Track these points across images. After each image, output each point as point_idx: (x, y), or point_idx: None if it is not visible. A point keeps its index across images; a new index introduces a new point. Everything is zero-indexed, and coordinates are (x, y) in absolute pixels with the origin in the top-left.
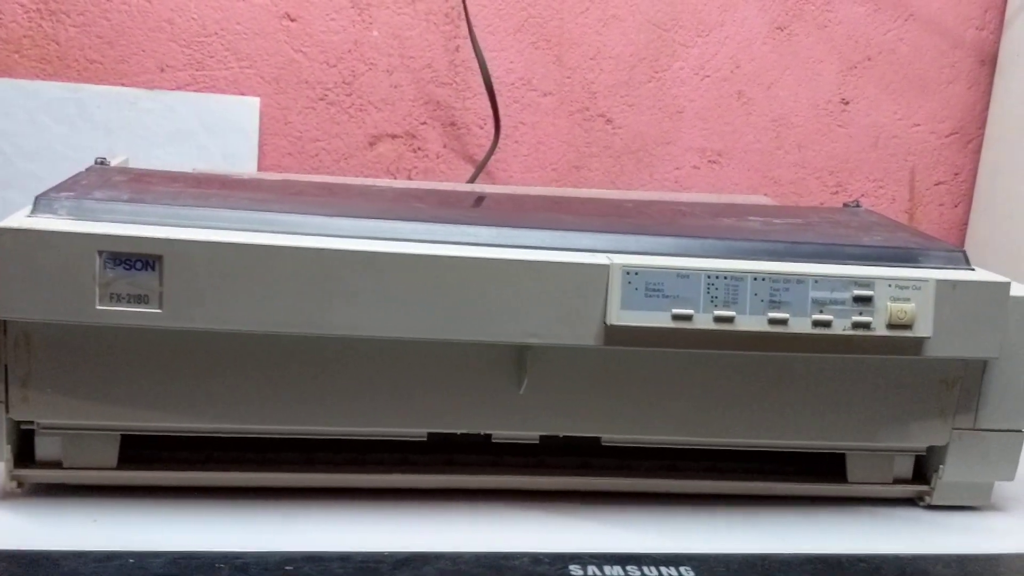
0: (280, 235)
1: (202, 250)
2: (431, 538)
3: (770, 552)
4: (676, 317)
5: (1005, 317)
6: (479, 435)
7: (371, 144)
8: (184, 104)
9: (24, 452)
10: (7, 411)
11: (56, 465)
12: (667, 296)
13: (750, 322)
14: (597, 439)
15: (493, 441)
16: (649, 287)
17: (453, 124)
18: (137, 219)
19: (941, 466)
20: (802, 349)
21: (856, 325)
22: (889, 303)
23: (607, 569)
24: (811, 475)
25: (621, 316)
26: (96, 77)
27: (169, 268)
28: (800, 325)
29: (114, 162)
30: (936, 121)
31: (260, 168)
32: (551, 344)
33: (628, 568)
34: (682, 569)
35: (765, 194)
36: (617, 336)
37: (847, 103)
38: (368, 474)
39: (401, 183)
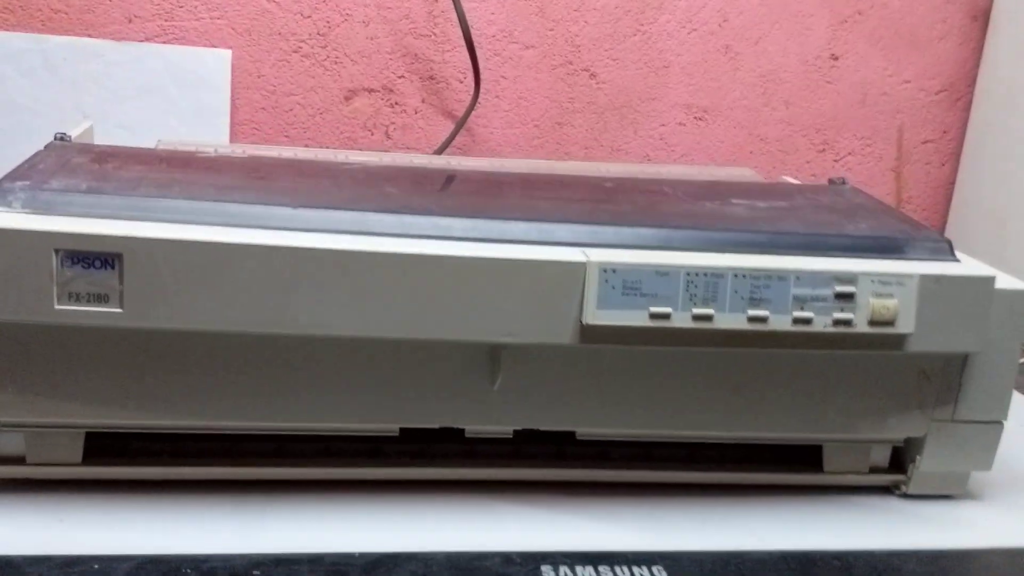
0: (245, 230)
1: (163, 248)
2: (403, 536)
3: (744, 549)
4: (654, 316)
5: (989, 311)
6: (452, 429)
7: (347, 99)
8: (153, 56)
9: None
10: None
11: (19, 461)
12: (644, 295)
13: (729, 320)
14: (572, 433)
15: (467, 436)
16: (627, 285)
17: (432, 78)
18: (96, 211)
19: (918, 456)
20: (781, 346)
21: (837, 323)
22: (871, 299)
23: (579, 570)
24: (787, 464)
25: (597, 315)
26: (61, 27)
27: (129, 266)
28: (780, 323)
29: (76, 131)
30: (926, 78)
31: (233, 123)
32: (526, 343)
33: (600, 568)
34: (655, 569)
35: (751, 152)
36: (593, 335)
37: (836, 58)
38: (339, 467)
39: (374, 156)
